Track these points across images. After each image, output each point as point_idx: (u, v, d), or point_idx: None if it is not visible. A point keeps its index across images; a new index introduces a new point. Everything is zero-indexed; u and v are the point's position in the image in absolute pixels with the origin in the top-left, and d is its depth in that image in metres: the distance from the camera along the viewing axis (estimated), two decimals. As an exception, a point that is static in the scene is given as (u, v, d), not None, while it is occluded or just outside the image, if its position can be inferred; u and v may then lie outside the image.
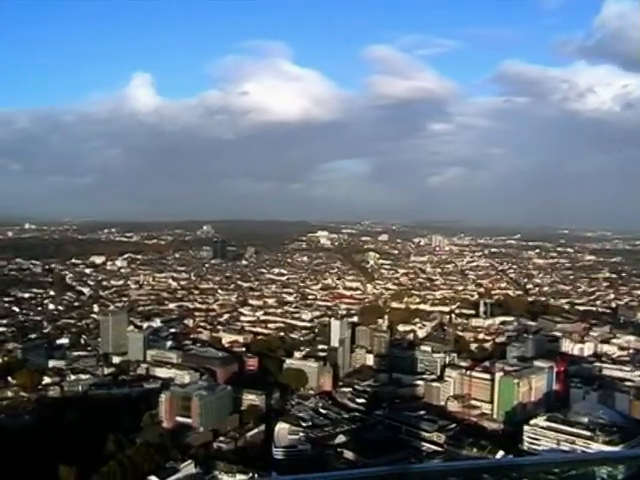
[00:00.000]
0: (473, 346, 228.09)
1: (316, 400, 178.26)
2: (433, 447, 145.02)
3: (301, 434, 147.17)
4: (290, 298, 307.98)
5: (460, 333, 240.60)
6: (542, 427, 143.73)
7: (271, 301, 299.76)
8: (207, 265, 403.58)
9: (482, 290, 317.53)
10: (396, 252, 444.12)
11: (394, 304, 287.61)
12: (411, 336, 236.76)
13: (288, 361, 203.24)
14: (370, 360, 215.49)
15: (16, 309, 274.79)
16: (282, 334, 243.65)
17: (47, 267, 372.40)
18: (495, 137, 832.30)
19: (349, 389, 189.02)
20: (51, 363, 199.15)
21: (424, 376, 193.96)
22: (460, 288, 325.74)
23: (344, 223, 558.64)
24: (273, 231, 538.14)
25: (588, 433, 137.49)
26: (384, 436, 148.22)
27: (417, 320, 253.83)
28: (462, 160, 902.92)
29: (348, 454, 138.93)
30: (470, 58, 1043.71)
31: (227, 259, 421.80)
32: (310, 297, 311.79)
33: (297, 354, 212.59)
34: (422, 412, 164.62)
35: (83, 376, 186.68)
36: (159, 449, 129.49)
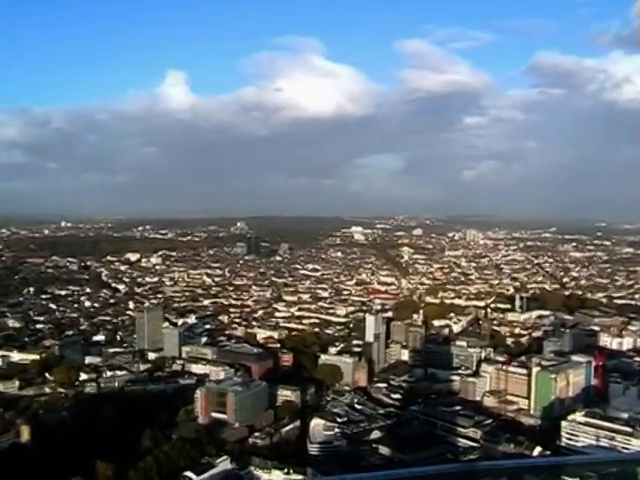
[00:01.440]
0: (509, 341, 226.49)
1: (351, 396, 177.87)
2: (469, 443, 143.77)
3: (336, 430, 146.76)
4: (324, 294, 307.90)
5: (496, 328, 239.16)
6: (580, 423, 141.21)
7: (305, 297, 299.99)
8: (241, 261, 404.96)
9: (518, 284, 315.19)
10: (430, 247, 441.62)
11: (429, 299, 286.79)
12: (446, 331, 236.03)
13: (323, 357, 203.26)
14: (405, 355, 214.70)
15: (53, 306, 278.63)
16: (317, 330, 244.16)
17: (83, 264, 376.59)
18: (530, 130, 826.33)
19: (384, 384, 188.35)
20: (88, 359, 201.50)
21: (460, 371, 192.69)
22: (495, 282, 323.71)
23: (378, 218, 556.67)
24: (307, 227, 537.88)
25: (628, 429, 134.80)
26: (420, 432, 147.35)
27: (452, 315, 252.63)
28: (496, 153, 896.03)
29: (384, 450, 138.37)
30: (504, 50, 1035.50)
31: (261, 255, 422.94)
32: (344, 292, 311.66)
33: (332, 350, 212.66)
34: (458, 408, 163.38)
35: (119, 372, 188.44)
36: (195, 445, 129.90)
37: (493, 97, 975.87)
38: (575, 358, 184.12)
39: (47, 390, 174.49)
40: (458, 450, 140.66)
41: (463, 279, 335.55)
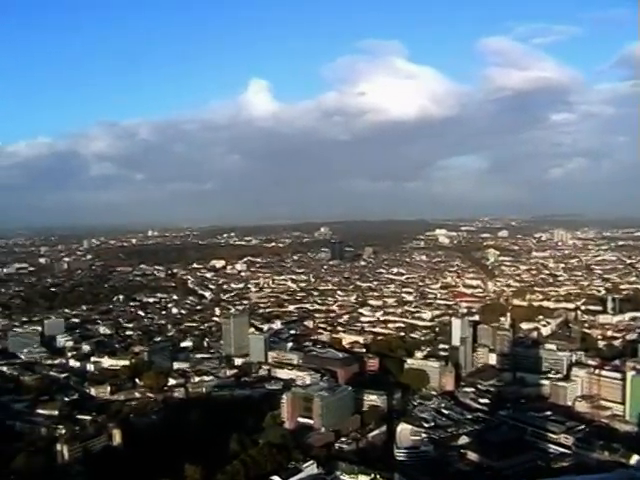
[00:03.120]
0: (601, 344, 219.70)
1: (438, 400, 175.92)
2: (561, 449, 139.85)
3: (423, 435, 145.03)
4: (410, 297, 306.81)
5: (587, 330, 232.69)
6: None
7: (391, 301, 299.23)
8: (325, 266, 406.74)
9: (609, 285, 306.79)
10: (517, 248, 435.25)
11: (516, 301, 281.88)
12: (535, 334, 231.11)
13: (409, 361, 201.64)
14: (493, 359, 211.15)
15: (142, 313, 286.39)
16: (402, 334, 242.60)
17: (170, 272, 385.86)
18: (621, 124, 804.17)
19: (472, 389, 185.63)
20: (175, 365, 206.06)
21: (549, 375, 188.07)
22: (585, 283, 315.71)
23: (462, 220, 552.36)
24: (390, 230, 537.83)
25: None
26: (509, 437, 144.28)
27: (541, 317, 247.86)
28: (585, 150, 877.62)
29: (472, 456, 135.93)
30: (592, 43, 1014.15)
31: (345, 260, 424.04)
32: (430, 296, 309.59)
33: (418, 354, 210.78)
34: (548, 413, 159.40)
35: (206, 378, 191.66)
36: (281, 449, 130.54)
37: (581, 92, 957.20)
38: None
39: (137, 395, 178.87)
40: (549, 457, 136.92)
41: (551, 280, 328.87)
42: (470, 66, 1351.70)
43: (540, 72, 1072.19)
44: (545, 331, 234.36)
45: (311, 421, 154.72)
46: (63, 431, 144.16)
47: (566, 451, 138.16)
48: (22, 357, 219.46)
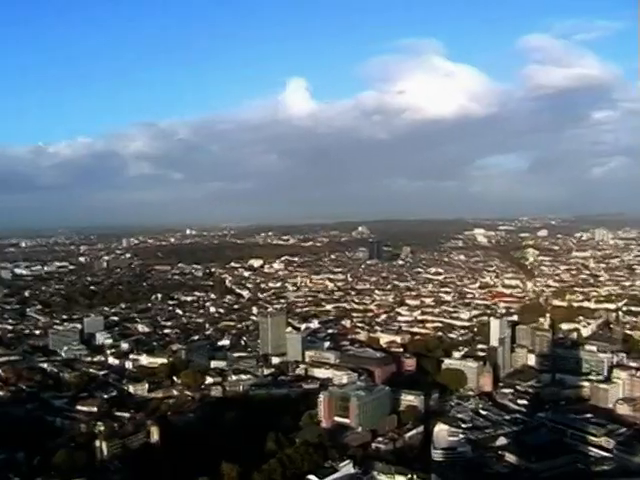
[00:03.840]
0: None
1: (476, 401, 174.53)
2: (601, 453, 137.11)
3: (461, 436, 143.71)
4: (448, 297, 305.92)
5: (628, 332, 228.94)
6: None
7: (428, 301, 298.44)
8: (363, 266, 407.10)
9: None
10: (556, 248, 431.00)
11: (556, 302, 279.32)
12: (575, 335, 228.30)
13: (447, 361, 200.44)
14: (531, 360, 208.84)
15: (180, 312, 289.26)
16: (440, 334, 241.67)
17: (208, 271, 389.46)
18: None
19: (510, 390, 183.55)
20: (213, 364, 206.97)
21: (590, 377, 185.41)
22: (627, 284, 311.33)
23: (501, 219, 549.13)
24: (428, 230, 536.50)
25: None
26: (548, 439, 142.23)
27: (581, 318, 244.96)
28: (627, 149, 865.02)
29: (510, 457, 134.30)
30: (634, 39, 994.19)
31: (383, 259, 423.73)
32: (468, 296, 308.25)
33: (456, 354, 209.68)
34: (588, 415, 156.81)
35: (244, 376, 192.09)
36: (318, 448, 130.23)
37: (623, 89, 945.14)
38: None
39: (175, 393, 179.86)
40: (589, 460, 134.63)
41: (592, 281, 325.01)
42: (510, 64, 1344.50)
43: (581, 69, 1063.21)
44: (585, 332, 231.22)
45: (348, 420, 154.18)
46: (102, 428, 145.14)
47: (607, 454, 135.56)
48: (62, 354, 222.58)
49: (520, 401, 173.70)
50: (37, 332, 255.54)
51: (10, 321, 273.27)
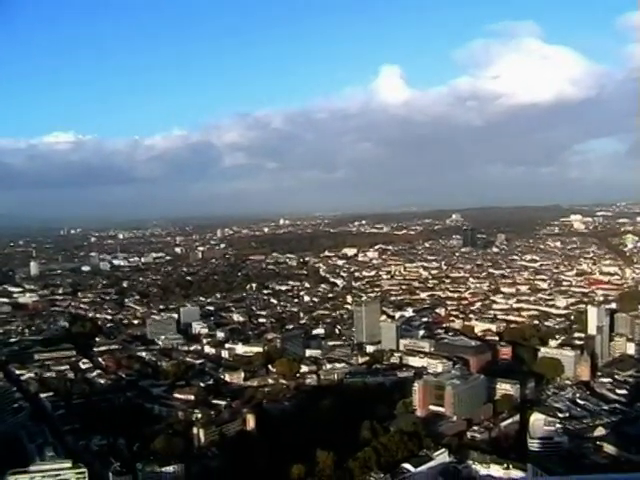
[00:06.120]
0: None
1: (573, 390, 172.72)
2: None
3: (558, 425, 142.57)
4: (544, 285, 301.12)
5: None
6: None
7: (524, 288, 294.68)
8: (457, 254, 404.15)
9: None
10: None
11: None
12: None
13: (543, 350, 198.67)
14: (631, 349, 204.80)
15: (274, 301, 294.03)
16: (536, 322, 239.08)
17: (302, 260, 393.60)
18: None
19: (608, 379, 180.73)
20: (308, 352, 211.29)
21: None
22: None
23: (598, 205, 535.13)
24: (524, 217, 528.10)
25: None
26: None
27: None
28: None
29: (609, 448, 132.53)
30: None
31: (477, 247, 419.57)
32: (564, 283, 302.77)
33: (552, 342, 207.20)
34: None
35: (338, 365, 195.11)
36: (412, 437, 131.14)
37: None
38: None
39: (270, 381, 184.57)
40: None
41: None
42: (609, 44, 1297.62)
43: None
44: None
45: (443, 409, 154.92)
46: (199, 415, 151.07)
47: None
48: (160, 343, 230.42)
49: (619, 391, 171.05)
50: (135, 322, 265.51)
51: (109, 311, 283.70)
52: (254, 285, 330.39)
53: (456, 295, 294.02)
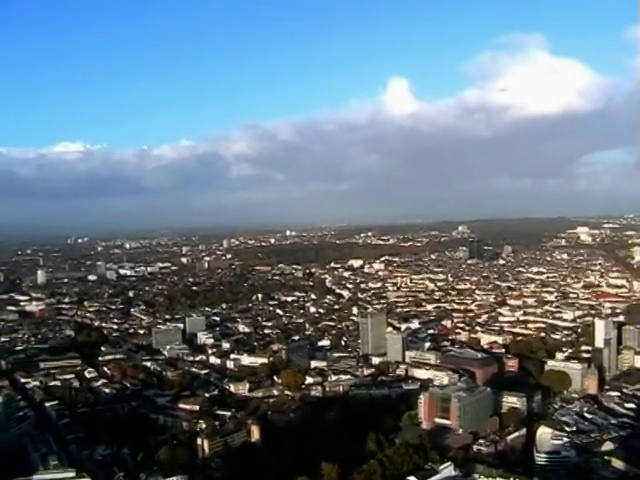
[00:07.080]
0: None
1: (580, 404, 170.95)
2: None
3: (565, 439, 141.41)
4: (550, 297, 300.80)
5: None
6: None
7: (530, 301, 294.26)
8: (464, 265, 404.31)
9: None
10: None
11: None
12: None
13: (550, 362, 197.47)
14: (639, 362, 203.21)
15: (280, 312, 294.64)
16: (543, 335, 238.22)
17: (308, 271, 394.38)
18: None
19: (616, 393, 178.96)
20: (313, 364, 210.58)
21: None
22: None
23: (605, 217, 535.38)
24: (530, 228, 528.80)
25: None
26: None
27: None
28: None
29: (617, 463, 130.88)
30: None
31: (484, 259, 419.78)
32: (572, 296, 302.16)
33: (559, 355, 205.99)
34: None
35: (344, 376, 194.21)
36: (418, 450, 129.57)
37: None
38: None
39: (275, 392, 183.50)
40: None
41: None
42: (617, 56, 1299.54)
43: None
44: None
45: (448, 422, 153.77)
46: (204, 426, 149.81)
47: None
48: (165, 353, 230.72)
49: (627, 404, 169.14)
50: (141, 331, 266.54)
51: (115, 320, 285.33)
52: (260, 296, 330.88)
53: (462, 307, 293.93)
